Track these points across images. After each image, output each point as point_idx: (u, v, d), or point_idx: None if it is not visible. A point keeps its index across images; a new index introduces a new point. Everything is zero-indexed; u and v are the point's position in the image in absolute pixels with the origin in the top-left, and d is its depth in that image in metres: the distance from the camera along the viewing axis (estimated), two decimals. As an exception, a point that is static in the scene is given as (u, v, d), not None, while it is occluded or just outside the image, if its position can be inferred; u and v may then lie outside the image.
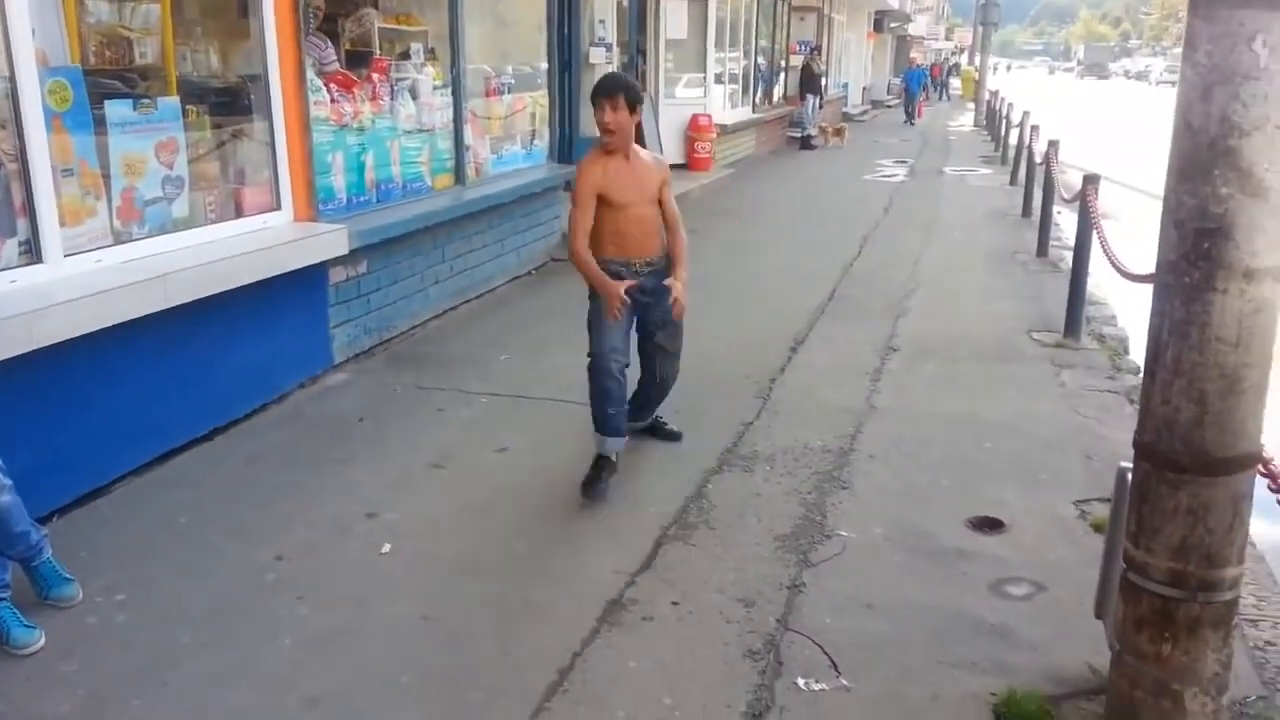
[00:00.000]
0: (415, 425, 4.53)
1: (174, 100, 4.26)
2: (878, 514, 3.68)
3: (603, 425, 3.85)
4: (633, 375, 4.03)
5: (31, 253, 3.59)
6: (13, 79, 3.43)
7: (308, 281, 4.88)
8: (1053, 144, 8.70)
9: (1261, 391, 2.01)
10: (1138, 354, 5.91)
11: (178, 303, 3.90)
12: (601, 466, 3.86)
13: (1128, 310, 6.93)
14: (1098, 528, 3.53)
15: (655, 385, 4.26)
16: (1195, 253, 1.95)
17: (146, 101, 4.10)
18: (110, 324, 3.60)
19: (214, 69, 4.71)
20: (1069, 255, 8.41)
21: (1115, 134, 24.58)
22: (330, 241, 4.88)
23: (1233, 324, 1.94)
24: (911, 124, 26.76)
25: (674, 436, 4.40)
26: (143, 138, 4.08)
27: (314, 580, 3.19)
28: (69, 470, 3.63)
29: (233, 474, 3.99)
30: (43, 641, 2.81)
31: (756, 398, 4.93)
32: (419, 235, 5.94)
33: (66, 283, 3.60)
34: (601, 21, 10.60)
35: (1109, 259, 4.70)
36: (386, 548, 3.39)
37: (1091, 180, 5.76)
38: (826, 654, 2.81)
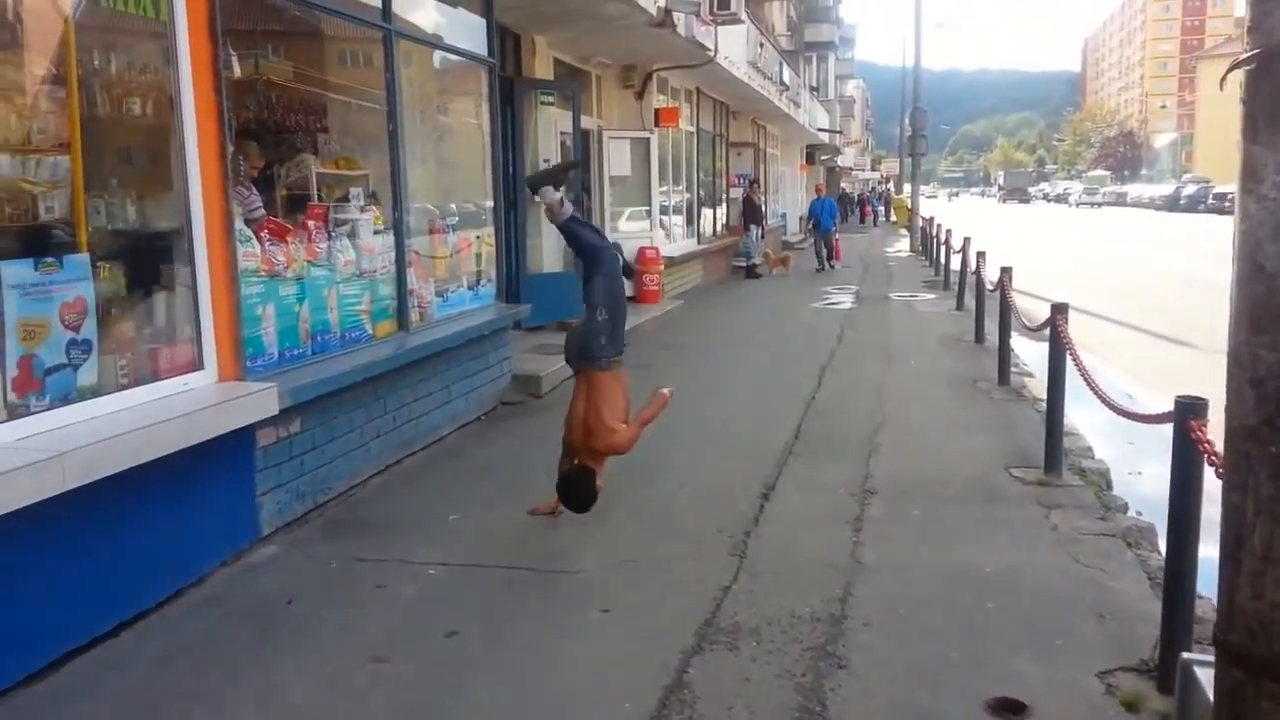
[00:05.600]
0: (352, 607, 4.01)
1: (83, 257, 3.86)
2: (884, 699, 3.23)
3: None
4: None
5: (-98, 436, 3.12)
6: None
7: (232, 446, 4.41)
8: (1005, 270, 8.67)
9: (1376, 582, 1.67)
10: (1121, 488, 5.67)
11: (77, 484, 3.41)
12: None
13: (1100, 440, 6.71)
14: (1129, 706, 3.13)
15: None
16: (1284, 418, 1.64)
17: (50, 261, 3.70)
18: (-8, 516, 3.10)
19: (131, 221, 4.34)
20: (1030, 382, 8.29)
21: (1056, 256, 25.21)
22: (258, 402, 4.44)
23: (1338, 503, 1.62)
24: (832, 268, 20.59)
25: None
26: (44, 300, 3.65)
27: (226, 823, 2.65)
28: (-65, 692, 3.07)
29: (137, 681, 3.43)
30: None
31: (732, 555, 4.51)
32: (359, 387, 5.52)
33: (-59, 470, 3.11)
34: (546, 160, 10.54)
35: (1101, 399, 4.39)
36: (316, 774, 2.86)
37: (1060, 309, 5.58)
38: None
